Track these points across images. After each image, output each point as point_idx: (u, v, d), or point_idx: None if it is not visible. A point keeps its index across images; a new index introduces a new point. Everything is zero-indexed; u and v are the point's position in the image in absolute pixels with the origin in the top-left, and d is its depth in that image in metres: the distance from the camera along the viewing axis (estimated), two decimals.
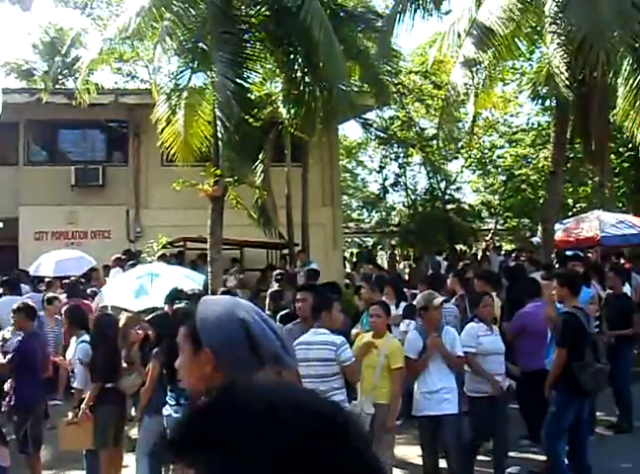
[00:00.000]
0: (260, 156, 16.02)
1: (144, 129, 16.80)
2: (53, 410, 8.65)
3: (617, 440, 8.70)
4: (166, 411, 6.16)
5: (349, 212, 32.16)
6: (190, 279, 10.02)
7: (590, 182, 22.25)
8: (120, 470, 7.33)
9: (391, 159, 28.80)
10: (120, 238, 17.55)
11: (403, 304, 9.58)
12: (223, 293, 10.02)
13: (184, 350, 2.11)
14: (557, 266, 12.04)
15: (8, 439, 6.61)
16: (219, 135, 10.98)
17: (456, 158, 28.53)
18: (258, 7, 12.99)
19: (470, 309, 8.83)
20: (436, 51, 14.88)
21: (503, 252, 22.19)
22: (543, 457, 7.39)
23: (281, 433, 0.86)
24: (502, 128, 27.77)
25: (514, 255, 19.88)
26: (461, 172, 29.21)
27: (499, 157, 28.19)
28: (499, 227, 29.19)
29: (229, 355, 1.98)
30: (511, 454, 7.74)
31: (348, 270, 22.05)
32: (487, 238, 27.82)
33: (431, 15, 13.31)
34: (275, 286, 11.73)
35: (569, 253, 14.16)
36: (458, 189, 29.61)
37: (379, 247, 32.00)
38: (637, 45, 11.58)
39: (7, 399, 7.53)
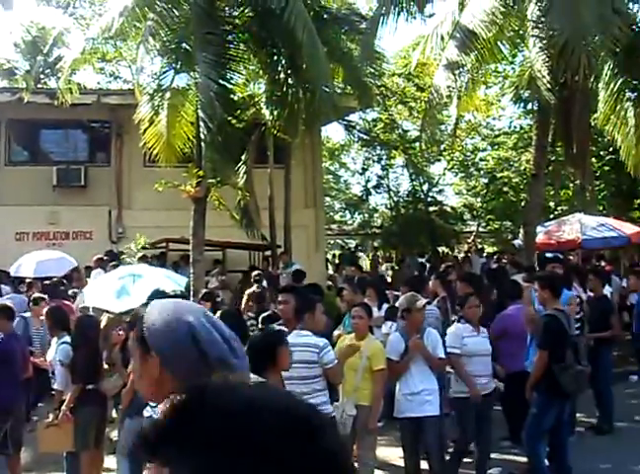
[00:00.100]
0: (242, 157, 15.96)
1: (127, 130, 16.70)
2: (34, 412, 8.58)
3: (598, 441, 8.77)
4: (147, 412, 6.11)
5: (331, 214, 32.11)
6: (172, 281, 9.97)
7: (571, 185, 22.36)
8: (100, 472, 7.29)
9: (374, 161, 28.81)
10: (102, 239, 17.41)
11: (385, 306, 9.61)
12: (205, 295, 10.04)
13: (134, 354, 2.09)
14: (538, 268, 12.11)
15: None
16: (202, 136, 10.93)
17: (439, 160, 28.59)
18: (242, 8, 12.98)
19: (452, 311, 8.87)
20: (419, 54, 14.94)
21: (485, 254, 22.32)
22: (524, 459, 7.43)
23: (255, 432, 0.85)
24: (484, 131, 27.91)
25: (495, 257, 20.02)
26: (444, 174, 29.27)
27: (481, 160, 28.29)
28: (481, 230, 29.32)
29: (177, 360, 1.96)
30: (492, 456, 7.76)
31: (330, 271, 22.08)
32: (469, 240, 27.92)
33: (414, 18, 13.35)
34: (254, 287, 11.68)
35: (549, 255, 14.25)
36: (441, 191, 29.68)
37: (362, 249, 31.99)
38: (618, 50, 11.70)
39: None
